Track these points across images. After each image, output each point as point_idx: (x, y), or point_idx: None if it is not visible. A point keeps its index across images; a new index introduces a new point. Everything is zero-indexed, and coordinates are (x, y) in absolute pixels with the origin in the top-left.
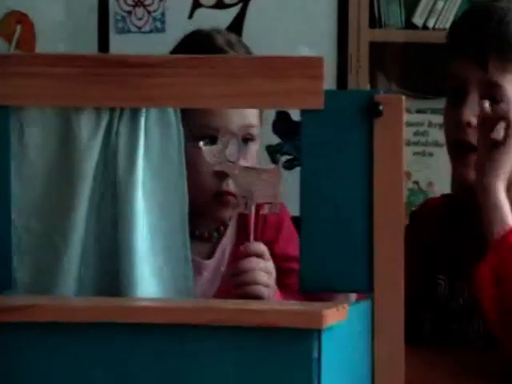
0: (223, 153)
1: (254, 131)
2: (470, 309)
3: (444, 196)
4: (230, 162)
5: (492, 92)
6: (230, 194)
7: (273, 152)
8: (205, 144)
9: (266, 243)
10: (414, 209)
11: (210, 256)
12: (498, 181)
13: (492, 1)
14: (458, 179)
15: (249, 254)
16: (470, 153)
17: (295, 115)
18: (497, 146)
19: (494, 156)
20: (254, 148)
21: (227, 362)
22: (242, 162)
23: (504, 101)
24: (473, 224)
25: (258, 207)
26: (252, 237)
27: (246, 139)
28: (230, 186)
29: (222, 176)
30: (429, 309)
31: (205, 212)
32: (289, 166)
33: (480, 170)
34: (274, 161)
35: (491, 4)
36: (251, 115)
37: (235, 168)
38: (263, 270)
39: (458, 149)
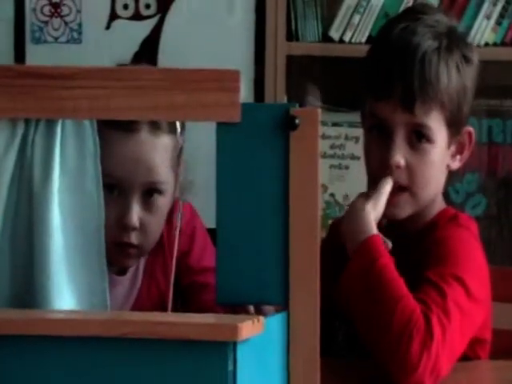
0: None
1: (163, 186)
2: None
3: None
4: None
5: (418, 131)
6: (131, 245)
7: None
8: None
9: (181, 254)
10: (333, 220)
11: (123, 271)
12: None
13: (405, 29)
14: (384, 217)
15: None
16: (400, 192)
17: None
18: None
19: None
20: (163, 201)
21: (142, 375)
22: (146, 217)
23: (430, 140)
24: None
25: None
26: (175, 255)
27: (152, 191)
28: (132, 237)
29: (124, 228)
30: (342, 320)
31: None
32: None
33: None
34: None
35: (408, 39)
36: (159, 172)
37: None
38: None
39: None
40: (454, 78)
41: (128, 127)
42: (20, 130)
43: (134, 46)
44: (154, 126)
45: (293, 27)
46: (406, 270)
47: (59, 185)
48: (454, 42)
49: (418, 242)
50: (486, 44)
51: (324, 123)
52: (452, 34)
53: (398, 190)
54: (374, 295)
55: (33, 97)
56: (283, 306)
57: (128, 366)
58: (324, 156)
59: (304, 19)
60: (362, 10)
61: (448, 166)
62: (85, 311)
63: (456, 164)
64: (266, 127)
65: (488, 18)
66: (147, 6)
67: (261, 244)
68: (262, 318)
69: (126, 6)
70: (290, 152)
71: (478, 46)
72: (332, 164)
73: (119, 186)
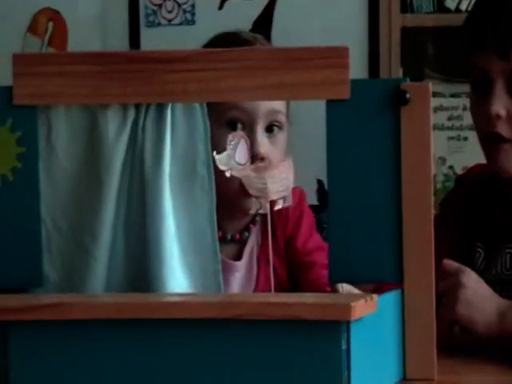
0: (232, 157)
1: (282, 118)
2: (502, 281)
3: None
4: (240, 164)
5: None
6: None
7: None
8: (217, 152)
9: (289, 238)
10: (460, 173)
11: (238, 257)
12: None
13: None
14: (493, 169)
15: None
16: (503, 143)
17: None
18: None
19: None
20: (282, 137)
21: (255, 355)
22: (271, 151)
23: None
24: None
25: (272, 203)
26: (270, 237)
27: (273, 126)
28: None
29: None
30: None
31: (233, 203)
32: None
33: None
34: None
35: None
36: (278, 101)
37: (246, 170)
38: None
39: (490, 141)
40: None
41: None
42: (131, 116)
43: (247, 26)
44: None
45: None
46: None
47: (170, 169)
48: None
49: None
50: None
51: (441, 94)
52: None
53: (501, 141)
54: None
55: (143, 81)
56: (397, 283)
57: (242, 347)
58: (442, 128)
59: None
60: None
61: None
62: (198, 294)
63: None
64: (376, 103)
65: None
66: None
67: (373, 221)
68: (375, 296)
69: None
70: (401, 127)
71: None
72: (450, 136)
73: (244, 119)
